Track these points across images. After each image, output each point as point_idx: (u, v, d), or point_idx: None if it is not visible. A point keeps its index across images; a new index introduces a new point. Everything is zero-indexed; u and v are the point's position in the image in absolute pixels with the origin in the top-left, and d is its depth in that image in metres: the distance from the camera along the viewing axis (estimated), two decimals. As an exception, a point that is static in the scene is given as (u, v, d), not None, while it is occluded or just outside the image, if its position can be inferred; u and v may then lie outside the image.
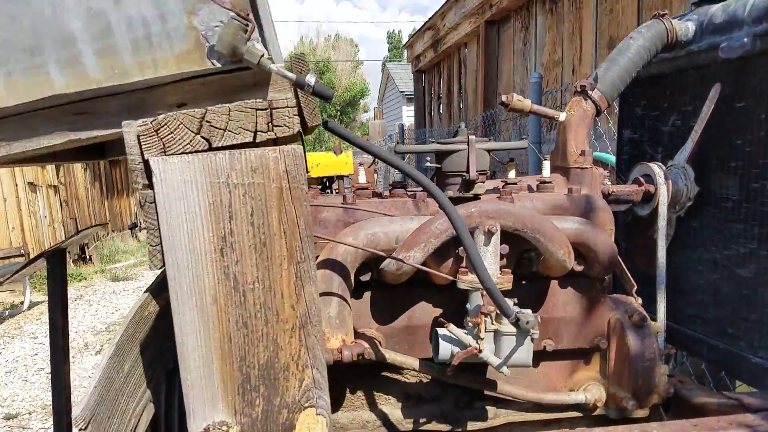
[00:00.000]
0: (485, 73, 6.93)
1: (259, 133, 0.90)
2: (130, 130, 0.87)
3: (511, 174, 1.55)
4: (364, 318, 1.40)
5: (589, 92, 1.59)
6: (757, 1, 1.42)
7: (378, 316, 1.41)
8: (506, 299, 1.29)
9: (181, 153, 0.87)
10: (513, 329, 1.23)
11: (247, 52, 0.94)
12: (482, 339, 1.25)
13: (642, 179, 1.67)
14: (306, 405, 0.93)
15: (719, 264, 1.60)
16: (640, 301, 1.56)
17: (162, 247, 0.87)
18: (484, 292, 1.26)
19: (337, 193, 6.90)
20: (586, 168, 1.58)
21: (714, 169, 1.61)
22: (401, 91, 25.61)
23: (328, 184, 7.55)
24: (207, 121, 0.88)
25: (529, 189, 1.58)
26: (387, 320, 1.41)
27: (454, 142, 1.41)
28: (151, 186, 0.88)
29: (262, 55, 0.95)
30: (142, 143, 0.87)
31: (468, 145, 1.39)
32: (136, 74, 1.01)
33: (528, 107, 1.61)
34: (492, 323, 1.25)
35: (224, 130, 0.89)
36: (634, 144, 2.00)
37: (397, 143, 1.45)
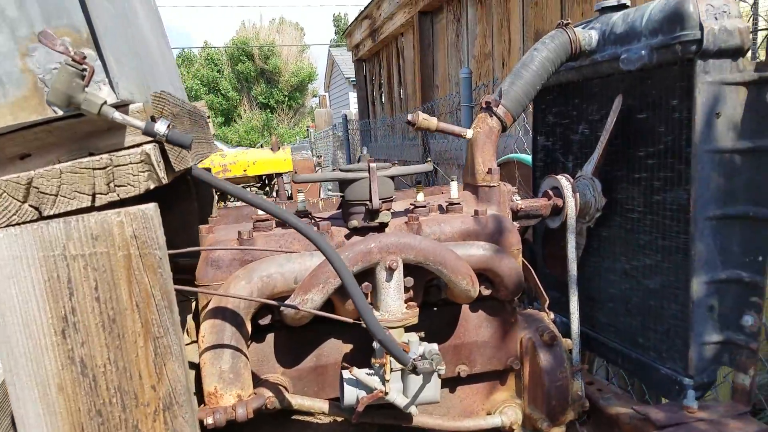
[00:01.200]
0: (421, 65, 6.89)
1: (98, 195, 0.80)
2: (-54, 206, 0.76)
3: (420, 197, 1.50)
4: (267, 363, 1.32)
5: (494, 109, 1.55)
6: (654, 12, 1.40)
7: (283, 359, 1.34)
8: (413, 335, 1.25)
9: (7, 225, 0.77)
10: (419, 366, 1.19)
11: (85, 102, 0.83)
12: (388, 380, 1.20)
13: (551, 192, 1.66)
14: (179, 490, 0.86)
15: (628, 274, 1.60)
16: (552, 316, 1.55)
17: (-7, 334, 0.77)
18: (389, 331, 1.20)
19: (276, 193, 6.75)
20: (494, 186, 1.55)
21: (620, 180, 1.61)
22: (347, 78, 25.10)
23: (267, 181, 7.38)
24: (35, 187, 0.78)
25: (440, 209, 1.54)
26: (293, 362, 1.34)
27: (356, 170, 1.35)
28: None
29: (104, 103, 0.85)
30: (-39, 219, 0.76)
31: (369, 173, 1.32)
32: (-35, 128, 0.89)
33: (434, 126, 1.56)
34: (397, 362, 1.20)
35: (56, 196, 0.79)
36: (548, 151, 1.99)
37: (295, 173, 1.37)
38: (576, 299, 1.62)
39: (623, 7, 1.62)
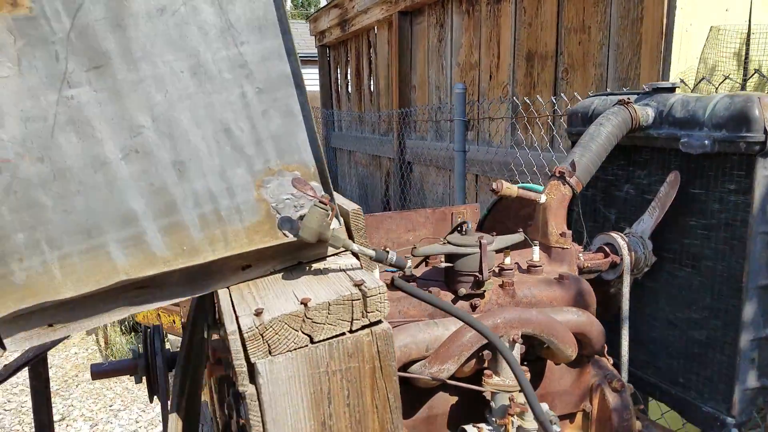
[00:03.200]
0: (399, 65, 6.99)
1: (355, 321, 0.94)
2: (236, 337, 0.87)
3: (507, 260, 1.68)
4: (390, 416, 1.48)
5: (568, 179, 1.75)
6: (718, 108, 1.62)
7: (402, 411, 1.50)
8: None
9: (286, 351, 0.89)
10: (535, 425, 1.38)
11: (333, 238, 0.96)
12: (509, 437, 1.39)
13: (606, 248, 1.88)
14: None
15: (672, 323, 1.86)
16: (611, 360, 1.78)
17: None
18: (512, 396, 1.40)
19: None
20: (567, 248, 1.75)
21: (669, 242, 1.85)
22: (302, 56, 24.55)
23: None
24: (309, 318, 0.91)
25: (519, 268, 1.73)
26: (409, 413, 1.51)
27: (465, 245, 1.51)
28: (252, 380, 0.90)
29: (345, 237, 0.98)
30: (248, 348, 0.88)
31: (480, 249, 1.49)
32: (205, 248, 1.00)
33: (515, 193, 1.74)
34: (516, 421, 1.39)
35: (324, 324, 0.92)
36: (587, 199, 2.21)
37: (414, 248, 1.52)
38: (626, 345, 1.86)
39: (674, 89, 1.85)
